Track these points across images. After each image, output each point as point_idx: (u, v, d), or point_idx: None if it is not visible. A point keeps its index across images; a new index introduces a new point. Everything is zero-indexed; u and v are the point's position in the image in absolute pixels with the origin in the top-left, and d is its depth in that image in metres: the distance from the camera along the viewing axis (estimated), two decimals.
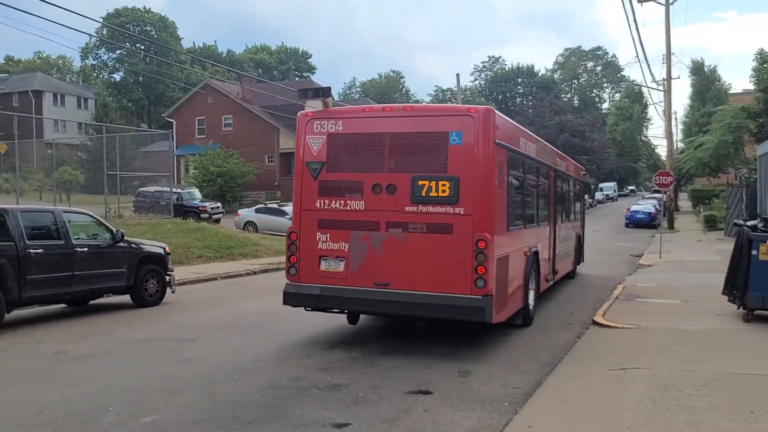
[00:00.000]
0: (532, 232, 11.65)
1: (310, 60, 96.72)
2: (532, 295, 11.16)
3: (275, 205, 30.91)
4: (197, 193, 34.03)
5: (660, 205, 43.74)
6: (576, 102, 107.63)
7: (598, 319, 11.41)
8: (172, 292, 13.41)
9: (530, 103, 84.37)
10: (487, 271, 8.63)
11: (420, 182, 8.91)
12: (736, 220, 16.73)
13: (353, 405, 6.75)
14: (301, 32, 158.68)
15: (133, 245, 12.79)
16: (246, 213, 30.88)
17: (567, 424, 6.00)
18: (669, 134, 41.14)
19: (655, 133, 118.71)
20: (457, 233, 8.74)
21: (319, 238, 9.37)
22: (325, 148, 9.40)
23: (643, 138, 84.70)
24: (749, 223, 11.65)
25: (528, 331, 10.72)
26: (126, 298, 13.07)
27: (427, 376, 7.84)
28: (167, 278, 13.27)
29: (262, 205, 31.64)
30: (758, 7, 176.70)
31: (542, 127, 72.17)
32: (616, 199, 74.10)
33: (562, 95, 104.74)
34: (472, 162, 8.74)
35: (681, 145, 59.68)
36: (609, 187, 73.18)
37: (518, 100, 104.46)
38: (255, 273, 18.98)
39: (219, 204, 33.29)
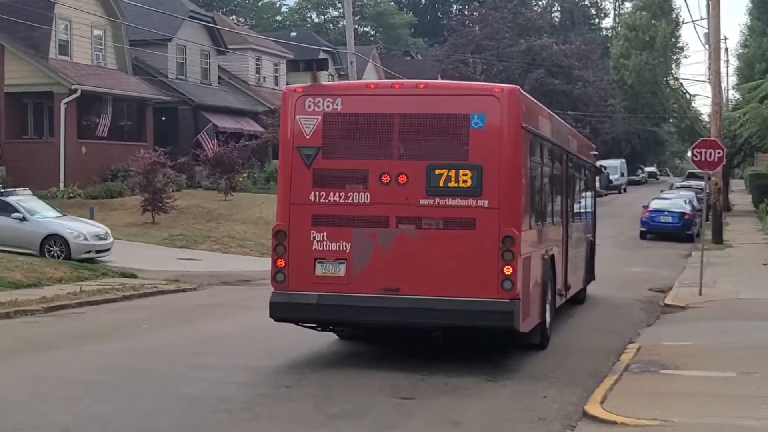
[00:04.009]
0: (549, 231, 16.81)
1: None
2: (548, 309, 15.86)
3: None
4: None
5: (699, 200, 45.21)
6: (557, 14, 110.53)
7: (593, 409, 11.44)
8: None
9: (476, 15, 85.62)
10: (515, 272, 13.00)
11: (437, 171, 13.23)
12: None
13: None
14: None
15: None
16: None
17: None
18: (716, 75, 42.54)
19: (692, 72, 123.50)
20: (480, 229, 13.11)
21: (314, 238, 13.56)
22: (321, 130, 13.69)
23: (671, 81, 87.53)
24: None
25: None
26: None
27: None
28: None
29: None
30: None
31: (498, 56, 73.26)
32: (625, 190, 76.00)
33: (533, 3, 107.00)
34: (498, 148, 13.16)
35: (736, 94, 62.08)
36: (614, 167, 73.24)
37: (454, 8, 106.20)
38: None
39: None
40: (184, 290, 24.61)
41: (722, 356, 14.87)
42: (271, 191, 44.31)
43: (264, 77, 62.07)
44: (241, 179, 46.37)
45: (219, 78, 57.75)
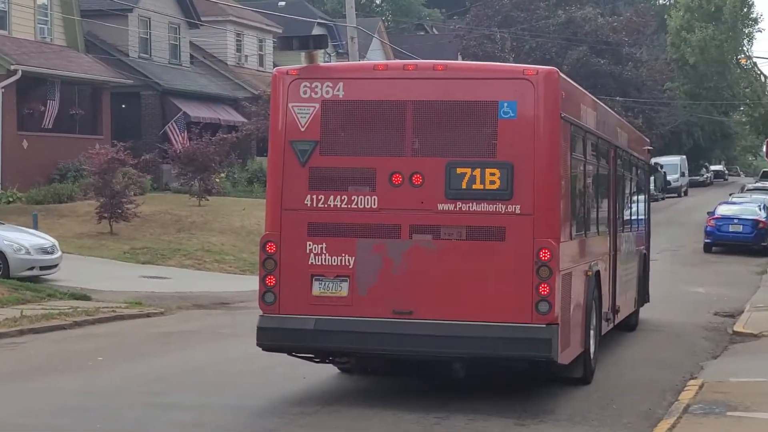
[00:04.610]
0: (594, 242, 17.20)
1: None
2: (592, 336, 16.06)
3: None
4: None
5: None
6: None
7: None
8: None
9: None
10: (552, 291, 13.15)
11: (459, 170, 13.41)
12: None
13: None
14: None
15: None
16: None
17: None
18: None
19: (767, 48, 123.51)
20: (510, 240, 13.33)
21: (311, 250, 13.77)
22: (319, 121, 13.91)
23: (743, 60, 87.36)
24: None
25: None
26: None
27: None
28: None
29: None
30: None
31: (531, 31, 73.28)
32: (686, 193, 75.93)
33: None
34: (532, 143, 13.33)
35: None
36: (672, 165, 73.49)
37: None
38: None
39: None
40: (148, 315, 24.66)
41: None
42: (255, 195, 44.61)
43: (246, 56, 62.38)
44: (218, 180, 46.28)
45: (191, 57, 58.04)
